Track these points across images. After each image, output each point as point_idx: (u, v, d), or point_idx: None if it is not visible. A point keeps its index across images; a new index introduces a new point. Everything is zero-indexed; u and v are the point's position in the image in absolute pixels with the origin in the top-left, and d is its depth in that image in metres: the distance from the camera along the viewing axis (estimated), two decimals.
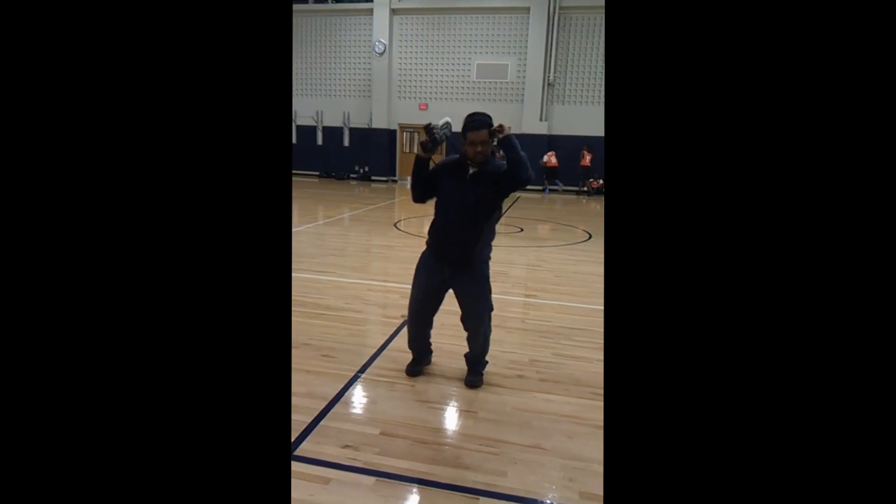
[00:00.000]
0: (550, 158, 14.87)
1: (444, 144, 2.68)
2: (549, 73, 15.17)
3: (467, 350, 2.99)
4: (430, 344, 3.10)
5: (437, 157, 2.74)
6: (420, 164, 2.69)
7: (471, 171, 2.66)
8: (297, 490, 1.95)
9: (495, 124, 2.57)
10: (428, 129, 2.59)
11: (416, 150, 2.62)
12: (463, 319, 2.90)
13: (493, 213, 2.73)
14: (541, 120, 15.36)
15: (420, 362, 3.07)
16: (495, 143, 2.62)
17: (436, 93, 16.13)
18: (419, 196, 2.79)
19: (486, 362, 3.03)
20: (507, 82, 15.68)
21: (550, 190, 15.12)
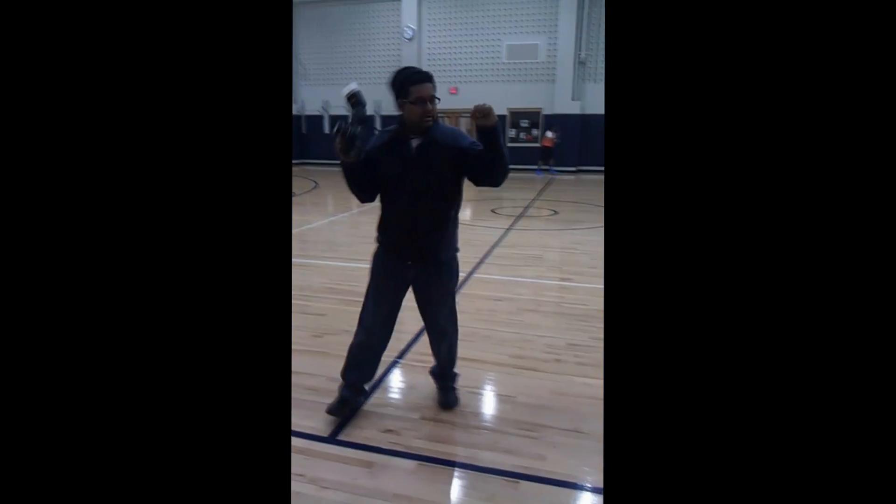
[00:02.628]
0: (547, 136, 14.31)
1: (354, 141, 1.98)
2: (581, 51, 14.83)
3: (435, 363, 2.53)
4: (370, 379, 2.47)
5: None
6: (349, 169, 2.09)
7: (414, 142, 2.06)
8: (341, 474, 2.00)
9: (488, 107, 1.89)
10: (338, 129, 1.98)
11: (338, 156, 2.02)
12: (430, 329, 2.41)
13: (458, 193, 2.19)
14: (573, 99, 15.07)
15: (348, 401, 2.38)
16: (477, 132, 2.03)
17: (466, 76, 16.00)
18: (364, 194, 2.19)
19: (457, 375, 2.58)
20: (538, 62, 15.42)
21: (542, 171, 14.54)
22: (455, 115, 16.40)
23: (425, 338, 3.34)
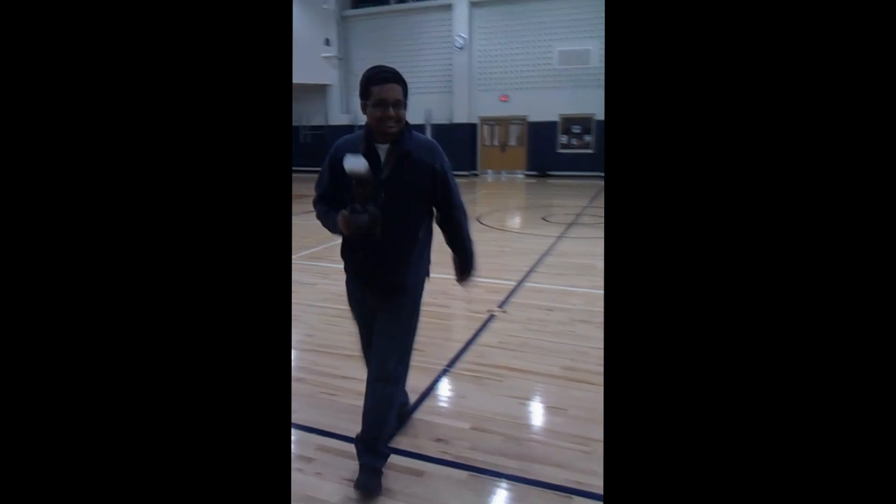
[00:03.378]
0: None
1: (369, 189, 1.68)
2: None
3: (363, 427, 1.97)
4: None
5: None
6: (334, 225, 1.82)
7: (382, 153, 1.81)
8: (392, 482, 2.01)
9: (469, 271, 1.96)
10: (352, 209, 1.68)
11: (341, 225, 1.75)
12: (368, 368, 2.01)
13: (427, 214, 1.92)
14: None
15: (382, 454, 1.99)
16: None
17: (517, 83, 15.95)
18: (332, 225, 1.84)
19: (388, 452, 2.02)
20: (590, 67, 15.18)
21: None
22: (506, 122, 16.37)
23: (474, 348, 3.35)
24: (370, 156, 1.75)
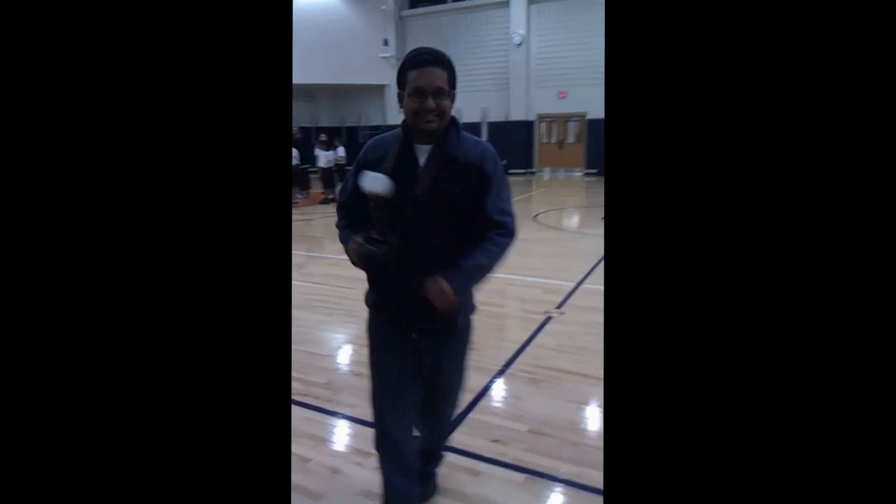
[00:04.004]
0: None
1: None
2: None
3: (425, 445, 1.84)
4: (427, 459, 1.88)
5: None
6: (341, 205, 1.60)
7: (422, 156, 1.45)
8: (448, 481, 2.02)
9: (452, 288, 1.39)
10: (367, 240, 1.38)
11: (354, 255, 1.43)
12: (425, 397, 1.68)
13: (476, 230, 1.48)
14: None
15: (402, 497, 1.59)
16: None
17: (575, 79, 15.63)
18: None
19: (443, 456, 2.01)
20: None
21: None
22: (564, 119, 16.09)
23: (531, 349, 3.31)
24: (407, 160, 1.44)
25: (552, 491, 2.00)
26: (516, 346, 3.30)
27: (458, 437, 2.31)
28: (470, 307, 1.66)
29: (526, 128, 16.38)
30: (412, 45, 17.69)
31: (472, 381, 2.81)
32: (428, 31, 17.42)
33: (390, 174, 1.38)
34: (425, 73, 1.36)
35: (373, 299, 1.60)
